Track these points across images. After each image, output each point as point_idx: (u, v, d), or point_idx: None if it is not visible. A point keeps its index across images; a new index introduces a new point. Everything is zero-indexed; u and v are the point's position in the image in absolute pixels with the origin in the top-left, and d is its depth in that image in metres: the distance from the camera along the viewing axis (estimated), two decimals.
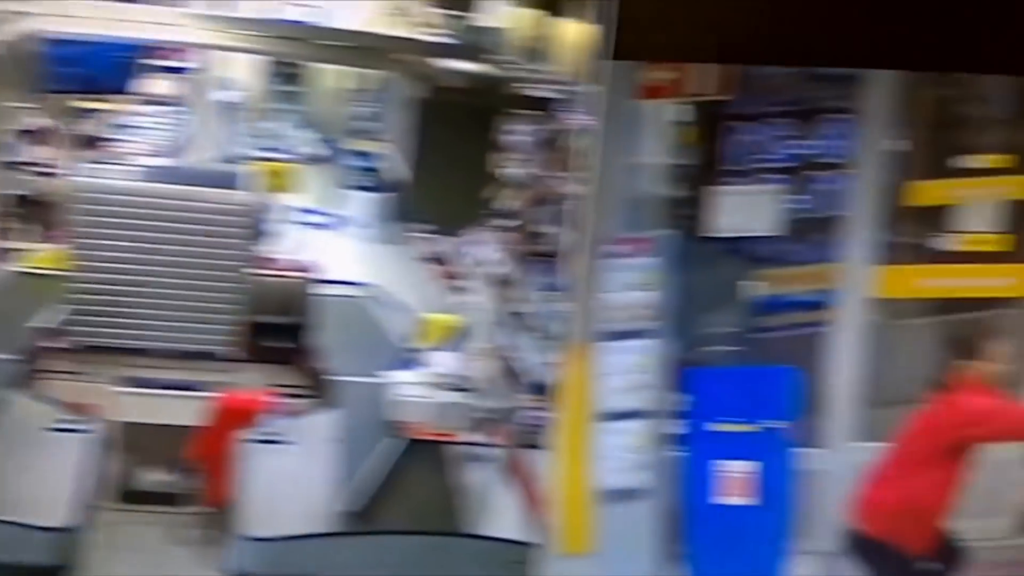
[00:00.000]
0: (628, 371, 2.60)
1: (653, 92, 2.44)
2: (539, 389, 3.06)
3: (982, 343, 2.67)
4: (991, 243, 2.53)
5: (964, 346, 2.69)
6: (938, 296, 2.59)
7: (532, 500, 2.79)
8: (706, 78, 2.44)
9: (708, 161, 2.52)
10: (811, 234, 2.61)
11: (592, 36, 2.26)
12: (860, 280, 2.66)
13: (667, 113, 2.50)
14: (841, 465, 2.76)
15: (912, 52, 2.30)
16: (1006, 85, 2.48)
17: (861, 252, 2.64)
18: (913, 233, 2.60)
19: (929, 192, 2.57)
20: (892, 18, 2.26)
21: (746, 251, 2.58)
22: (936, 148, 2.56)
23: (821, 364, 2.72)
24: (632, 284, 2.53)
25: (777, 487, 2.72)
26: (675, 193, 2.54)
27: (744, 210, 2.55)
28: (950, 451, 2.70)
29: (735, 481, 2.69)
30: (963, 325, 2.61)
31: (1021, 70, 2.49)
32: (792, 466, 2.72)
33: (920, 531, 2.74)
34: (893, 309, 2.68)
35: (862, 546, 2.72)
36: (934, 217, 2.58)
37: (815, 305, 2.68)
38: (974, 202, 2.54)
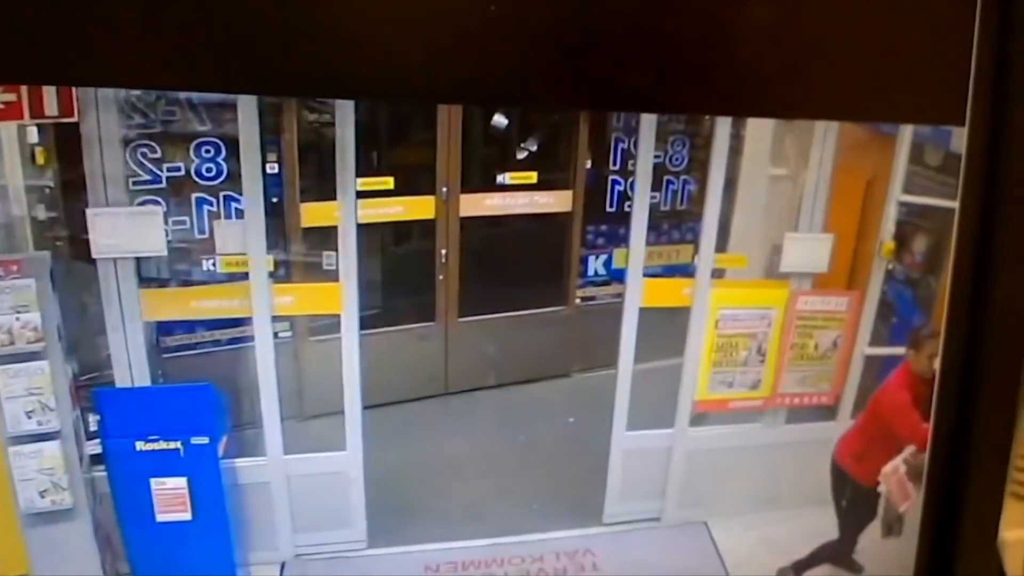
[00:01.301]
0: (29, 393, 2.54)
1: None
2: None
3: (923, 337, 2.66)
4: None
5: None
6: None
7: None
8: (48, 100, 2.33)
9: (74, 182, 2.43)
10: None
11: None
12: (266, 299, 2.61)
13: (20, 135, 2.37)
14: (278, 475, 2.80)
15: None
16: None
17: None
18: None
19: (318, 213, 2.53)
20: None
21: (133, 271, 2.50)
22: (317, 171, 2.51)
23: (246, 379, 2.69)
24: (15, 306, 2.46)
25: (210, 500, 2.70)
26: (45, 215, 2.45)
27: (124, 231, 2.47)
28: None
29: (168, 497, 2.68)
30: None
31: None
32: (223, 480, 2.69)
33: None
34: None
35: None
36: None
37: (227, 323, 2.64)
38: None
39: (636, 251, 2.94)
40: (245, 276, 2.64)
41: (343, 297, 2.72)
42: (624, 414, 3.02)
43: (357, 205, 2.68)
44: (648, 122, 2.83)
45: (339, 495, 2.87)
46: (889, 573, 2.64)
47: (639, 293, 2.96)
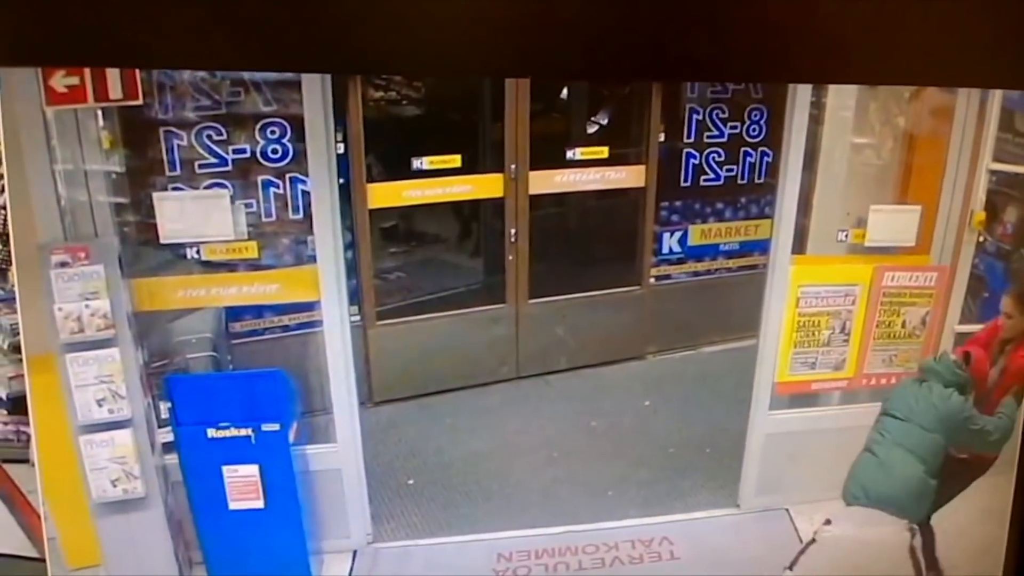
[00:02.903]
0: (100, 381, 2.51)
1: (60, 98, 2.31)
2: (10, 404, 2.98)
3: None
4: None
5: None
6: None
7: (25, 515, 2.76)
8: (112, 83, 2.29)
9: (143, 167, 2.40)
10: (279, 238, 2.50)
11: None
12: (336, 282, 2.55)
13: (85, 119, 2.34)
14: (350, 462, 2.74)
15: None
16: None
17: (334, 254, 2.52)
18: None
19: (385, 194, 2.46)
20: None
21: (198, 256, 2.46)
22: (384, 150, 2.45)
23: (315, 364, 2.64)
24: (84, 293, 2.43)
25: (282, 488, 2.66)
26: (115, 199, 2.42)
27: (191, 215, 2.43)
28: None
29: (240, 485, 2.65)
30: None
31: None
32: (294, 467, 2.65)
33: None
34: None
35: None
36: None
37: (297, 308, 2.59)
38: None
39: (786, 224, 2.77)
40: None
41: (320, 282, 2.59)
42: (767, 395, 2.87)
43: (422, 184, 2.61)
44: (792, 93, 2.67)
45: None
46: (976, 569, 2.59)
47: (787, 271, 2.77)
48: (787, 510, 2.84)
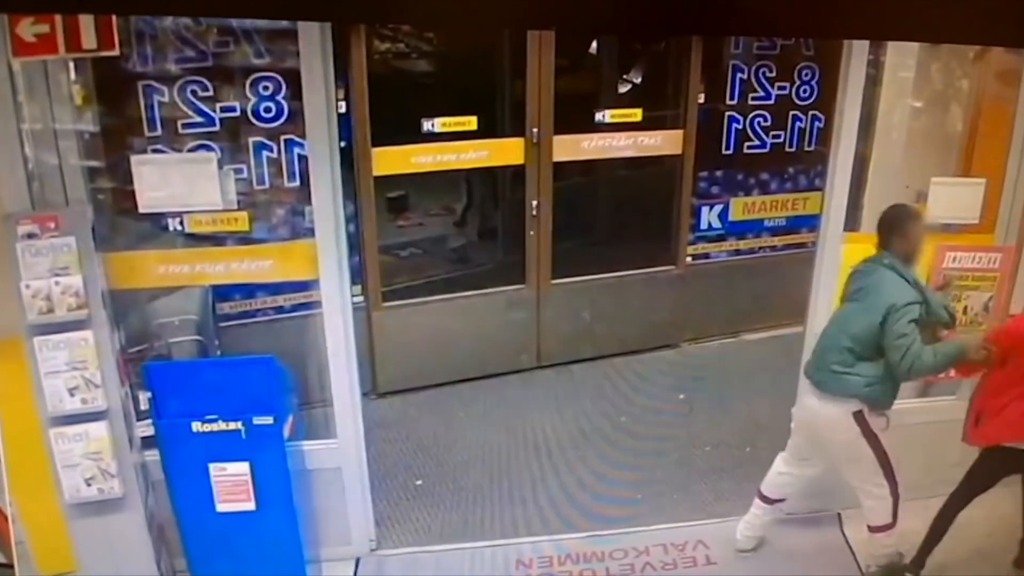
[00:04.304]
0: (71, 367, 2.30)
1: (27, 48, 2.08)
2: None
3: None
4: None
5: None
6: None
7: None
8: (85, 31, 2.06)
9: (120, 126, 2.18)
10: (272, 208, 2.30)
11: None
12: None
13: (56, 71, 2.12)
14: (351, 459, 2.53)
15: None
16: None
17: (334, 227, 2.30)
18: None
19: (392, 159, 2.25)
20: None
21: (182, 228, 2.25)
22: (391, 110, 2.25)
23: (313, 350, 2.43)
24: (54, 268, 2.21)
25: (275, 488, 2.46)
26: (88, 163, 2.21)
27: (173, 181, 2.20)
28: None
29: (228, 485, 2.44)
30: None
31: None
32: (289, 465, 2.44)
33: None
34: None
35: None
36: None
37: (293, 287, 2.38)
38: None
39: (838, 198, 2.55)
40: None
41: (319, 259, 2.38)
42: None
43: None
44: (847, 50, 2.42)
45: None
46: None
47: (838, 250, 2.57)
48: (838, 514, 2.62)
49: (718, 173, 2.86)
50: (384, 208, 2.67)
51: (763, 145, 2.82)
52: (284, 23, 2.18)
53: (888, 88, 2.55)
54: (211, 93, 2.25)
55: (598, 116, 2.69)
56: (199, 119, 2.26)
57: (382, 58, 2.39)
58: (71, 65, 2.17)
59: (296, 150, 2.34)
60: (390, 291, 2.66)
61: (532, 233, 2.86)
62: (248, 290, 2.49)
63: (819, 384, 2.38)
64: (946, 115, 2.56)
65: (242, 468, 2.47)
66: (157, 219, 2.27)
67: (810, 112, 2.71)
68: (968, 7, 1.88)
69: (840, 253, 2.56)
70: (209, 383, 2.43)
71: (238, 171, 2.32)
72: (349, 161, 2.41)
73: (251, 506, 2.48)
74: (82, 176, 2.26)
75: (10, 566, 2.42)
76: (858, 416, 2.38)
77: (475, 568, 2.62)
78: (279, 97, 2.27)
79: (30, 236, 2.24)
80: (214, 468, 2.46)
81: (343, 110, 2.35)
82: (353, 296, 2.50)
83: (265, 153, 2.30)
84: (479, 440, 2.81)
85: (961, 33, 2.10)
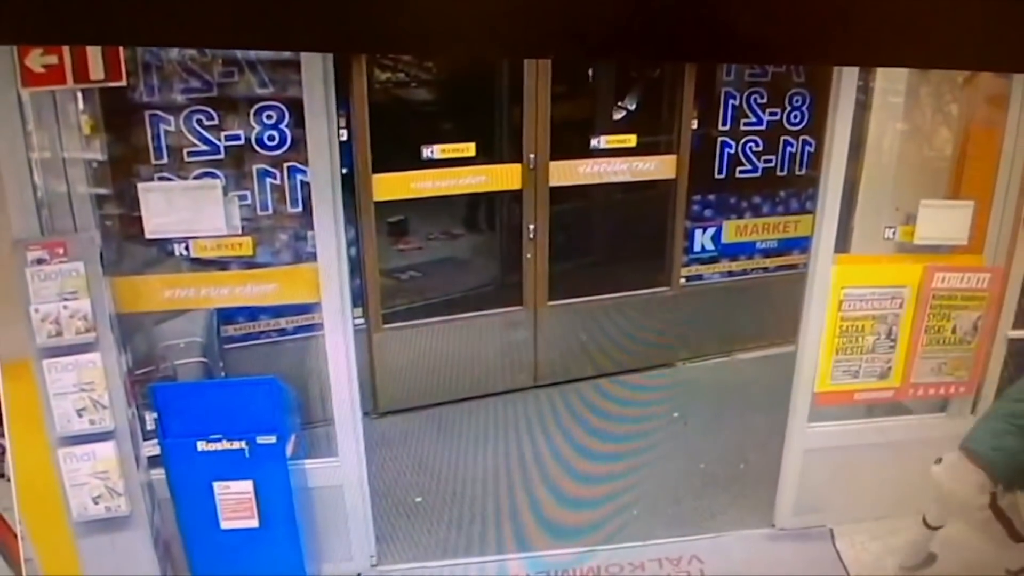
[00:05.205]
0: (79, 389, 2.34)
1: (37, 79, 2.12)
2: None
3: None
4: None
5: None
6: None
7: (0, 534, 2.60)
8: (93, 62, 2.10)
9: (127, 155, 2.22)
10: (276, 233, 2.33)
11: None
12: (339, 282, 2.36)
13: (64, 102, 2.16)
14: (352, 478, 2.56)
15: None
16: None
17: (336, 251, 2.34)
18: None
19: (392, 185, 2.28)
20: None
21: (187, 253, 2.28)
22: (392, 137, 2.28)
23: (315, 371, 2.46)
24: (63, 292, 2.25)
25: (278, 506, 2.49)
26: (96, 191, 2.24)
27: (179, 208, 2.24)
28: None
29: (232, 502, 2.47)
30: None
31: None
32: (292, 483, 2.47)
33: None
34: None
35: None
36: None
37: (296, 310, 2.42)
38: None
39: (828, 220, 2.58)
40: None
41: (321, 282, 2.41)
42: (806, 406, 2.69)
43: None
44: (837, 76, 2.47)
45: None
46: None
47: (829, 271, 2.60)
48: (830, 530, 2.64)
49: (711, 196, 2.89)
50: (385, 232, 2.69)
51: (755, 169, 2.84)
52: (287, 54, 2.20)
53: (878, 113, 2.58)
54: (216, 122, 2.27)
55: (594, 142, 2.71)
56: (204, 147, 2.28)
57: (383, 87, 2.42)
58: (79, 95, 2.20)
59: (299, 177, 2.37)
60: (390, 313, 2.68)
61: (529, 256, 2.88)
62: (251, 313, 2.51)
63: None
64: (935, 138, 2.59)
65: (246, 486, 2.51)
66: (163, 244, 2.29)
67: (801, 137, 2.72)
68: (958, 33, 1.90)
69: (831, 274, 2.59)
70: (213, 403, 2.46)
71: (242, 197, 2.34)
72: (350, 187, 2.44)
73: (255, 523, 2.52)
74: (90, 203, 2.29)
75: None
76: None
77: None
78: (282, 125, 2.29)
79: (39, 262, 2.28)
80: (218, 486, 2.50)
81: (344, 138, 2.37)
82: (354, 318, 2.53)
83: (268, 180, 2.33)
84: (478, 458, 2.83)
85: (951, 59, 2.12)
